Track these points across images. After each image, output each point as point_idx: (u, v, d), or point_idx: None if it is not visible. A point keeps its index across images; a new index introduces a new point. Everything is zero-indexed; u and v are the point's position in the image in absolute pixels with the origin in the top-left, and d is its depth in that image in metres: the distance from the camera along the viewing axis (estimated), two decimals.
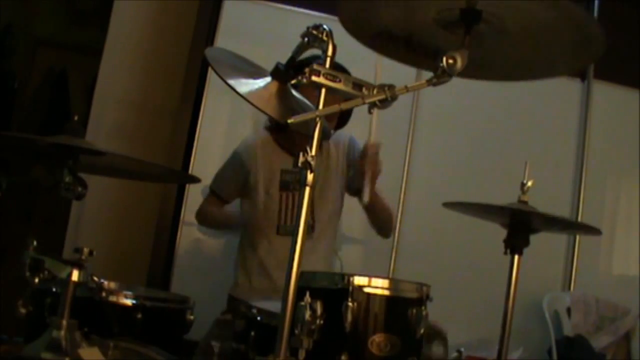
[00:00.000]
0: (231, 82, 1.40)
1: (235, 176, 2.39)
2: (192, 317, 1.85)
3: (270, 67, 1.51)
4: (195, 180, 1.96)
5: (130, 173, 1.96)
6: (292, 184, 2.27)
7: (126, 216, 3.04)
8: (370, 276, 1.46)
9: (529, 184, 1.72)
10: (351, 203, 2.48)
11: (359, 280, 1.44)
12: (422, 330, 1.48)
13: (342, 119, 2.36)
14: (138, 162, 1.74)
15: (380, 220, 2.39)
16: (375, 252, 3.07)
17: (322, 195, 2.31)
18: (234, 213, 2.46)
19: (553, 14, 1.21)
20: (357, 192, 2.29)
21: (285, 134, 2.33)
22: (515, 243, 1.75)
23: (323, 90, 1.28)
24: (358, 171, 2.20)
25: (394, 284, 1.52)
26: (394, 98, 1.29)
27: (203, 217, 2.52)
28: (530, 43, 1.33)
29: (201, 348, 2.00)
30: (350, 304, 1.41)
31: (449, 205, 1.83)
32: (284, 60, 1.50)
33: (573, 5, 1.16)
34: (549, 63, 1.41)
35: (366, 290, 1.44)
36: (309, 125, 1.27)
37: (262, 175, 2.33)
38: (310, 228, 2.27)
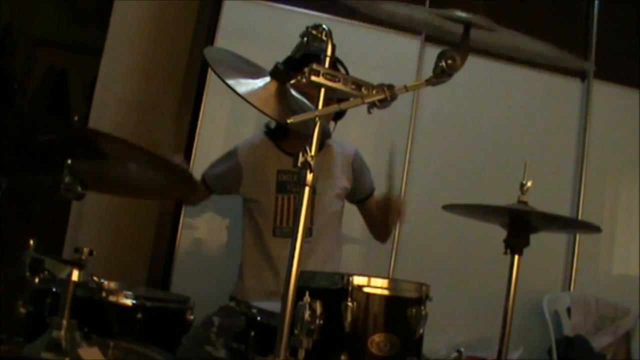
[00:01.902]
0: (230, 82, 1.40)
1: (228, 171, 2.39)
2: (192, 317, 1.85)
3: (270, 67, 1.51)
4: (195, 185, 1.93)
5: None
6: (289, 185, 2.28)
7: (126, 216, 3.03)
8: (369, 276, 1.46)
9: (529, 184, 1.72)
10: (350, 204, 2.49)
11: (358, 280, 1.44)
12: (421, 330, 1.48)
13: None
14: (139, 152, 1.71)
15: (382, 230, 2.50)
16: (375, 252, 3.06)
17: (320, 198, 2.30)
18: None
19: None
20: (359, 202, 2.49)
21: (287, 138, 2.33)
22: (515, 243, 1.75)
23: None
24: (377, 215, 2.38)
25: (393, 283, 1.52)
26: (393, 98, 1.29)
27: None
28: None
29: (202, 322, 1.99)
30: (349, 303, 1.41)
31: (448, 207, 1.83)
32: None
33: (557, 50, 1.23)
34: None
35: (366, 290, 1.44)
36: (308, 125, 1.27)
37: (259, 176, 2.33)
38: (308, 231, 2.27)
